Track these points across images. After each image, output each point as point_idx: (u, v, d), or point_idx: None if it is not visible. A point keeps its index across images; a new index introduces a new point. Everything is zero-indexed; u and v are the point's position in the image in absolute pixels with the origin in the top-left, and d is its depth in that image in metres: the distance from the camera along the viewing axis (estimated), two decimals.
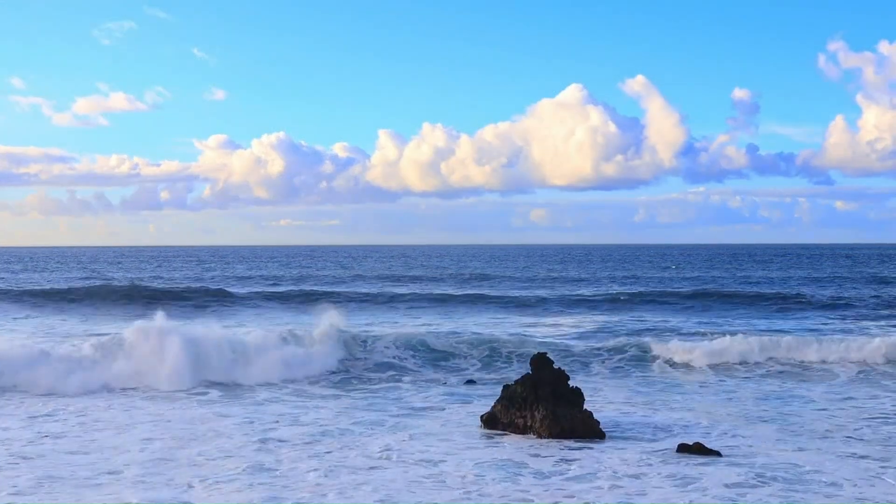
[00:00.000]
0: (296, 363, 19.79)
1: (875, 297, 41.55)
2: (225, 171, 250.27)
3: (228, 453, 12.21)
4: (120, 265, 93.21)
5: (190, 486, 10.53)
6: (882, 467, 11.54)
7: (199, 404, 16.29)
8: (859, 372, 20.14)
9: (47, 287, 47.99)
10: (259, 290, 46.98)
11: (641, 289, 47.27)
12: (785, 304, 37.66)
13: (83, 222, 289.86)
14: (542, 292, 45.46)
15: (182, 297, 40.21)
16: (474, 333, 24.64)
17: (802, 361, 21.23)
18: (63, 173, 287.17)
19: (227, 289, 46.19)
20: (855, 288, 49.18)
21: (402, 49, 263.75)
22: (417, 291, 45.08)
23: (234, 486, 10.54)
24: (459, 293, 43.94)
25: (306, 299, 39.44)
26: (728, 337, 22.46)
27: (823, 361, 21.10)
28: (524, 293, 44.63)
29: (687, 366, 20.89)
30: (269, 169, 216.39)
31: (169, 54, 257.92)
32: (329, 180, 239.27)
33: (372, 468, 11.52)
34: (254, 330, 22.73)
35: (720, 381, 19.29)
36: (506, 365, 21.10)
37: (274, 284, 55.42)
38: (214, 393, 17.52)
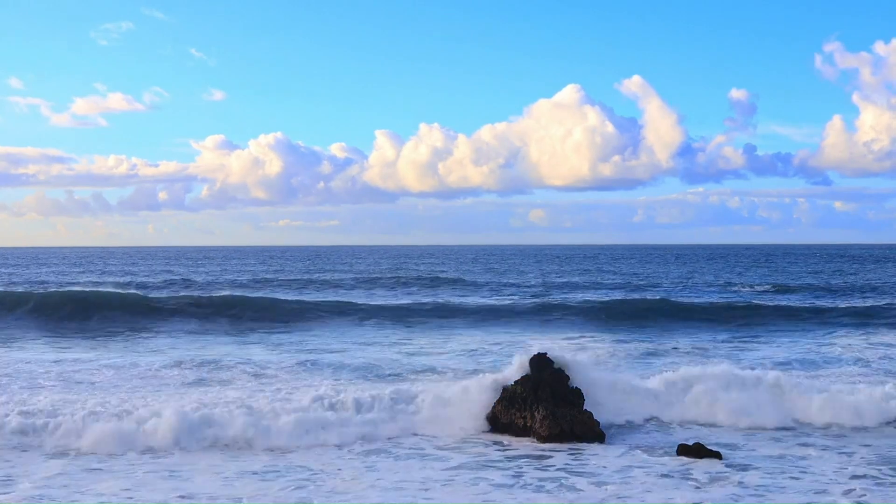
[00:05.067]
0: None
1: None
2: (223, 171, 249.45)
3: None
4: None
5: None
6: (892, 469, 11.53)
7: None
8: None
9: None
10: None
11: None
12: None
13: (82, 223, 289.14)
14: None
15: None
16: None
17: None
18: (61, 174, 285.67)
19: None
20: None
21: (399, 49, 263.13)
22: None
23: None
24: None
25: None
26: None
27: None
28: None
29: None
30: (267, 169, 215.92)
31: (167, 55, 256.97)
32: (327, 181, 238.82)
33: (367, 467, 11.54)
34: None
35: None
36: None
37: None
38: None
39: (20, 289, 44.28)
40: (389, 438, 13.22)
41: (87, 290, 39.82)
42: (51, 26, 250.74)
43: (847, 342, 24.56)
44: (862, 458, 12.04)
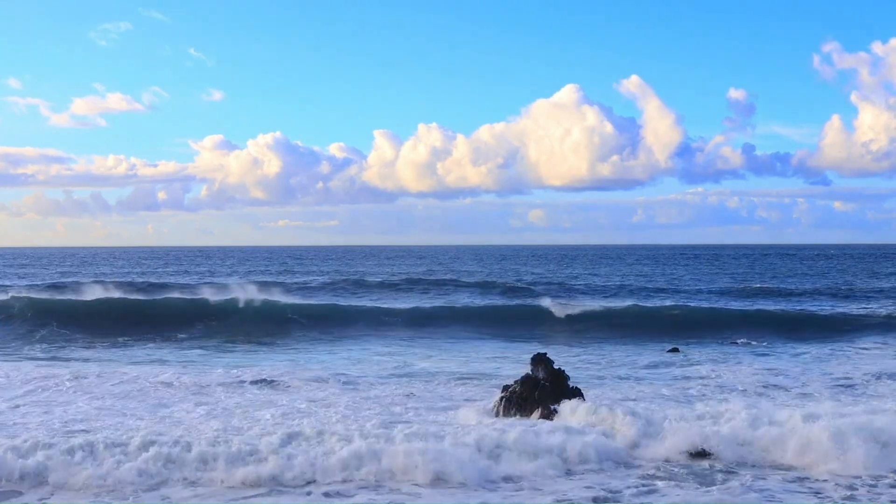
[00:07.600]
0: None
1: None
2: (222, 171, 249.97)
3: None
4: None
5: None
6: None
7: None
8: None
9: None
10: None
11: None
12: None
13: (80, 223, 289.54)
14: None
15: None
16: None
17: None
18: (60, 174, 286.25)
19: None
20: None
21: (397, 49, 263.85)
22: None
23: None
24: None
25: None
26: None
27: None
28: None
29: None
30: (266, 169, 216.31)
31: (166, 55, 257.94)
32: (326, 181, 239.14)
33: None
34: None
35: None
36: None
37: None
38: None
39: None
40: None
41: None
42: (50, 27, 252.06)
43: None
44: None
